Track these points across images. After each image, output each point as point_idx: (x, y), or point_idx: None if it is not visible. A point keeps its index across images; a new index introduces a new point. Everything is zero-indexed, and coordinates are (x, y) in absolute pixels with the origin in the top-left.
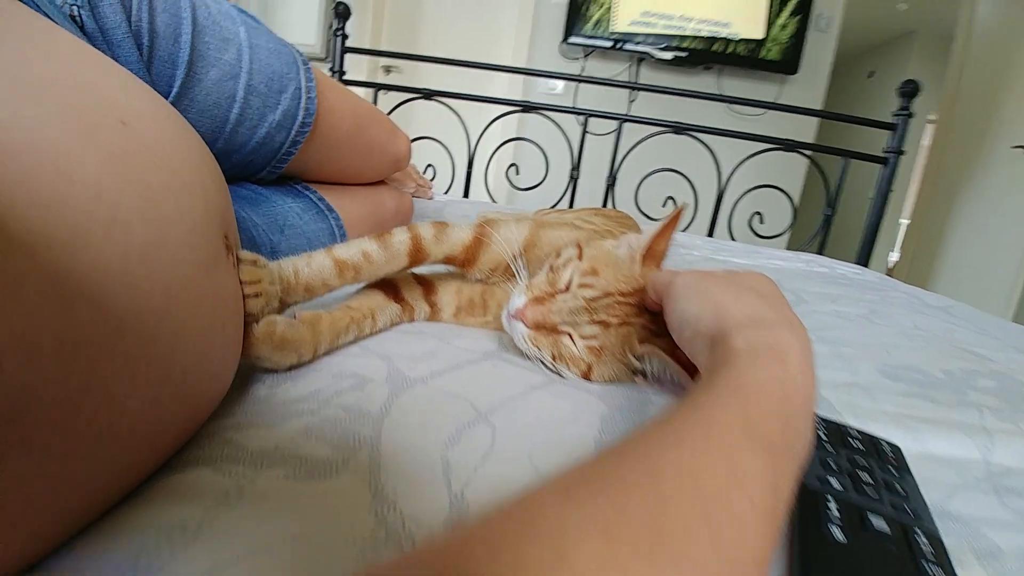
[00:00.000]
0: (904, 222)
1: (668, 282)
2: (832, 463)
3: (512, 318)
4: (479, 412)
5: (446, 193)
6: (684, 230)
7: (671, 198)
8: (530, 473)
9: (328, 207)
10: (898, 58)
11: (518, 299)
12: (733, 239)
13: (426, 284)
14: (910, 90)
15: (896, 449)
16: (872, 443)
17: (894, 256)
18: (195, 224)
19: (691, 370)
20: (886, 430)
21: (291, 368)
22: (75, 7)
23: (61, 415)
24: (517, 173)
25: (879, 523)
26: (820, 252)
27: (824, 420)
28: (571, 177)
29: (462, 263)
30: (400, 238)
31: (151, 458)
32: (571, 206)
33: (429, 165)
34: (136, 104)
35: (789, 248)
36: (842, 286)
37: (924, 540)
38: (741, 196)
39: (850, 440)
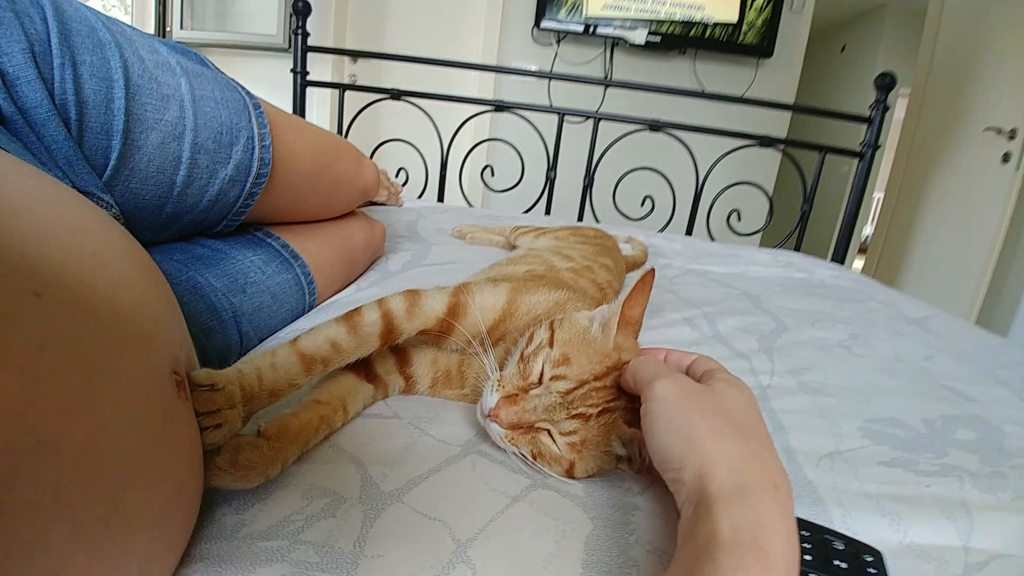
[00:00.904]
0: (878, 196)
1: (648, 383)
2: None
3: (486, 418)
4: (458, 543)
5: (420, 197)
6: (662, 231)
7: (649, 197)
8: None
9: (293, 255)
10: (870, 31)
11: (490, 397)
12: (712, 238)
13: (400, 354)
14: (886, 83)
15: (878, 560)
16: (856, 557)
17: (868, 230)
18: (135, 390)
19: None
20: (869, 522)
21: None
22: None
23: None
24: (492, 175)
25: None
26: (797, 248)
27: (811, 529)
28: (547, 178)
29: (436, 336)
30: (370, 319)
31: None
32: (548, 209)
33: (401, 168)
34: (54, 254)
35: (764, 244)
36: (821, 298)
37: None
38: (719, 193)
39: (834, 560)
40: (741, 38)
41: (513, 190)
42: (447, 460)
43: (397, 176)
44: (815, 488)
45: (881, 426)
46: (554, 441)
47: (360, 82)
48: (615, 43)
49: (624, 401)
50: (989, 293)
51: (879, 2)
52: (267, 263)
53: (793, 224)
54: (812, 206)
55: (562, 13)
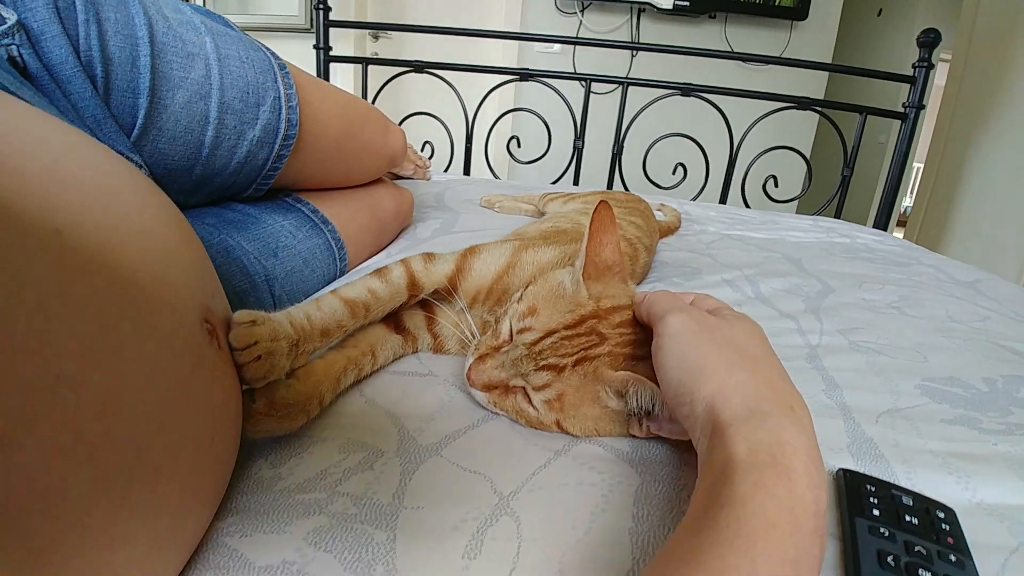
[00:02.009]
0: (918, 166)
1: (661, 317)
2: (890, 558)
3: (467, 383)
4: (500, 496)
5: (446, 171)
6: (695, 199)
7: (681, 164)
8: None
9: (323, 219)
10: None
11: (468, 359)
12: (747, 206)
13: (429, 312)
14: (930, 40)
15: (951, 517)
16: (927, 512)
17: (908, 202)
18: (161, 337)
19: None
20: (936, 480)
21: (302, 427)
22: (14, 47)
23: None
24: (519, 145)
25: None
26: (838, 215)
27: (876, 484)
28: (575, 148)
29: (446, 295)
30: (397, 272)
31: None
32: (576, 179)
33: (426, 142)
34: (74, 195)
35: (802, 210)
36: (866, 261)
37: None
38: (754, 159)
39: (904, 515)
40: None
41: (540, 161)
42: (484, 417)
43: (423, 150)
44: (876, 445)
45: (940, 384)
46: (530, 402)
47: (382, 55)
48: (641, 9)
49: (614, 346)
50: None
51: None
52: (298, 228)
53: (832, 191)
54: (853, 171)
55: None
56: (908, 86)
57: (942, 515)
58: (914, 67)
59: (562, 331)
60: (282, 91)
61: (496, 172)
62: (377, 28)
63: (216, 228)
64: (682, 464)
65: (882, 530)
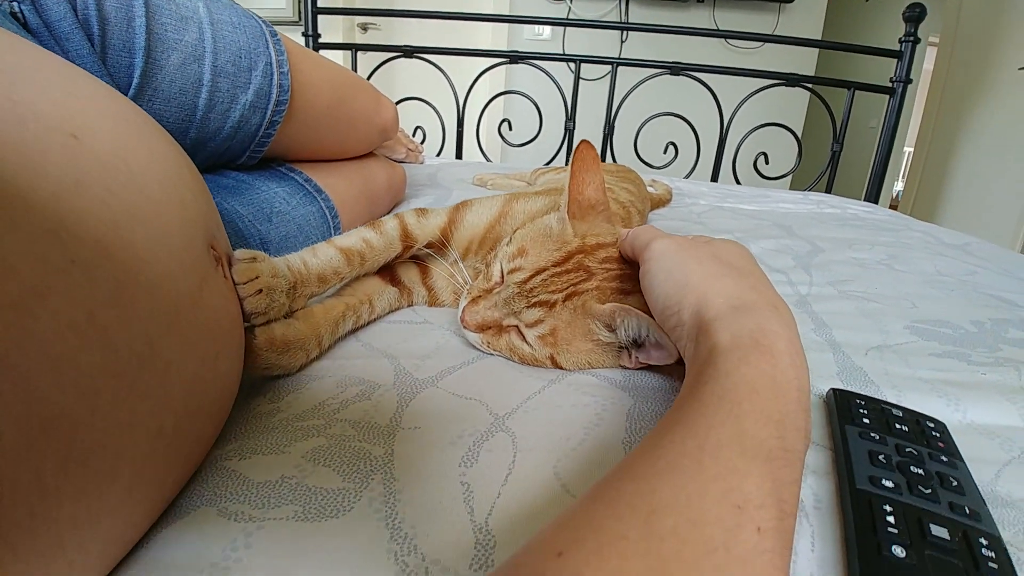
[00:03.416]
0: (908, 150)
1: (645, 245)
2: (881, 456)
3: (461, 326)
4: (496, 417)
5: (438, 155)
6: (687, 176)
7: (672, 143)
8: (558, 492)
9: (316, 188)
10: None
11: (462, 303)
12: (739, 183)
13: (422, 267)
14: (916, 14)
15: (941, 427)
16: (917, 423)
17: (899, 186)
18: (171, 247)
19: None
20: (926, 402)
21: (302, 368)
22: (15, 3)
23: (36, 499)
24: (510, 128)
25: (940, 532)
26: (828, 191)
27: (865, 399)
28: (566, 129)
29: (440, 248)
30: (391, 224)
31: (149, 512)
32: (567, 161)
33: (418, 127)
34: (88, 111)
35: (793, 188)
36: (856, 228)
37: (987, 549)
38: (744, 136)
39: (895, 424)
40: None
41: (532, 143)
42: (480, 355)
43: (414, 135)
44: (865, 373)
45: (929, 326)
46: (524, 339)
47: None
48: None
49: (601, 280)
50: None
51: None
52: (291, 195)
53: (823, 167)
54: (843, 146)
55: None
56: (896, 62)
57: (932, 425)
58: (900, 41)
59: (551, 268)
60: (274, 57)
61: (488, 155)
62: (366, 14)
63: (211, 193)
64: (672, 390)
65: (872, 435)
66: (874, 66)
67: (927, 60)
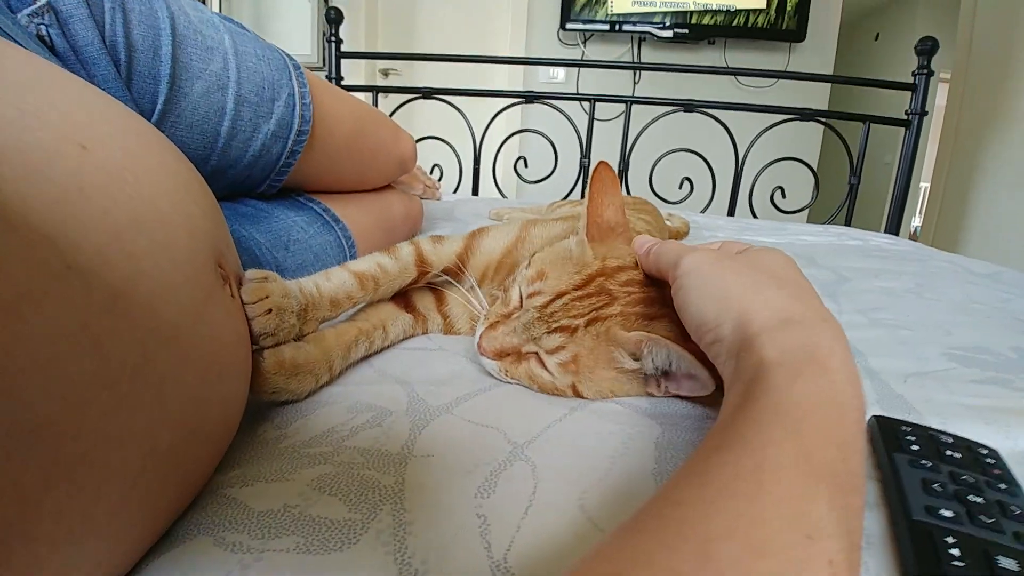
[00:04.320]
0: (924, 185)
1: (674, 262)
2: (936, 485)
3: (477, 353)
4: (515, 445)
5: (455, 192)
6: (703, 211)
7: (687, 179)
8: (583, 526)
9: (334, 218)
10: (904, 17)
11: (479, 329)
12: (755, 217)
13: (438, 295)
14: (928, 47)
15: (994, 454)
16: (969, 450)
17: (916, 221)
18: (175, 260)
19: (705, 360)
20: (973, 429)
21: (311, 394)
22: (43, 27)
23: (14, 513)
24: (525, 166)
25: (1008, 564)
26: (847, 223)
27: (912, 426)
28: (581, 166)
29: (456, 274)
30: (406, 249)
31: (140, 537)
32: (583, 196)
33: (435, 165)
34: (98, 124)
35: (810, 221)
36: (880, 259)
37: None
38: (760, 171)
39: (945, 451)
40: (771, 23)
41: (547, 180)
42: (497, 383)
43: (432, 173)
44: (906, 401)
45: (968, 352)
46: (544, 366)
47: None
48: (642, 38)
49: (619, 306)
50: None
51: None
52: (309, 224)
53: (840, 201)
54: (860, 179)
55: (586, 12)
56: (910, 95)
57: (984, 452)
58: (914, 75)
59: (572, 292)
60: (296, 88)
61: (504, 192)
62: (387, 58)
63: (228, 220)
64: (704, 417)
65: (924, 462)
66: (886, 103)
67: (939, 96)
